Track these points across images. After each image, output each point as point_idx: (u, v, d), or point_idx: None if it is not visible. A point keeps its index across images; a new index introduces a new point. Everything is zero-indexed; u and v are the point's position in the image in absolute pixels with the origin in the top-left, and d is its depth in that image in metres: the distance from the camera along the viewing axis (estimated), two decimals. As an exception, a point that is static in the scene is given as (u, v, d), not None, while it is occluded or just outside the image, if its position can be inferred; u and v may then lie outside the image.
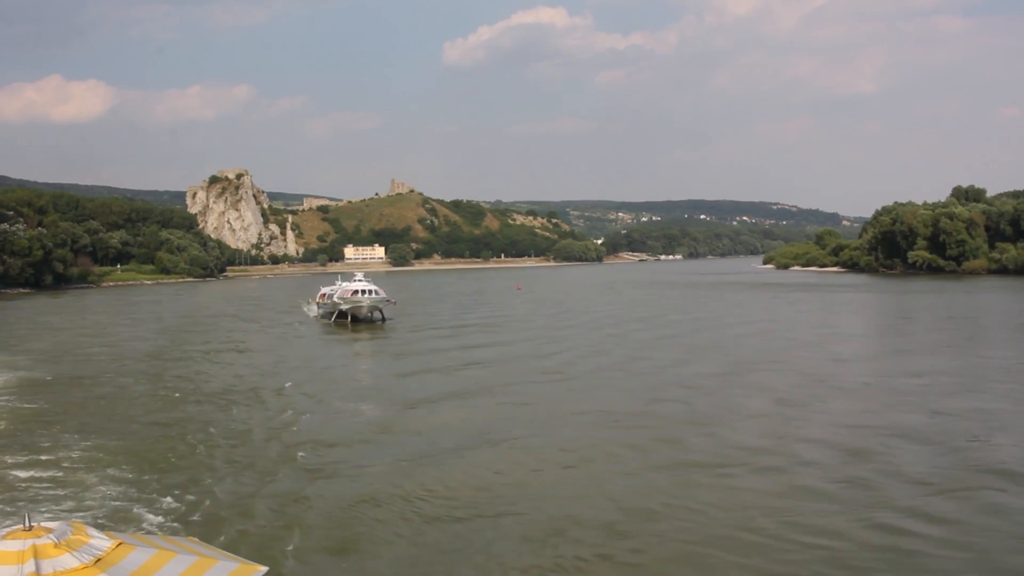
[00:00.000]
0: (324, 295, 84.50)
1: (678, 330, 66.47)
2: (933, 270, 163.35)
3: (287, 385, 40.01)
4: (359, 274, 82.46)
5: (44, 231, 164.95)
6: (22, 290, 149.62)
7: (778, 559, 16.87)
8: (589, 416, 31.38)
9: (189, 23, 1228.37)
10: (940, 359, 46.53)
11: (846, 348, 53.76)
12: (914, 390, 36.26)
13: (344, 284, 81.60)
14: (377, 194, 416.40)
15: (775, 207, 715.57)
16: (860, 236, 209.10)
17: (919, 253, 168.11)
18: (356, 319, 75.05)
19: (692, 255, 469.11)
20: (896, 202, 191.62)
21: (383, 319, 76.61)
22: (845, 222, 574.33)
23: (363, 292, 75.86)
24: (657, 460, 24.78)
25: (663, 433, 28.32)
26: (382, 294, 76.62)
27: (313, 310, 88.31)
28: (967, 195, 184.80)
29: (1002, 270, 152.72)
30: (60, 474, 24.04)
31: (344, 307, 75.25)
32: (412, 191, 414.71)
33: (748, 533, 18.26)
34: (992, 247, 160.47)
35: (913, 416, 30.57)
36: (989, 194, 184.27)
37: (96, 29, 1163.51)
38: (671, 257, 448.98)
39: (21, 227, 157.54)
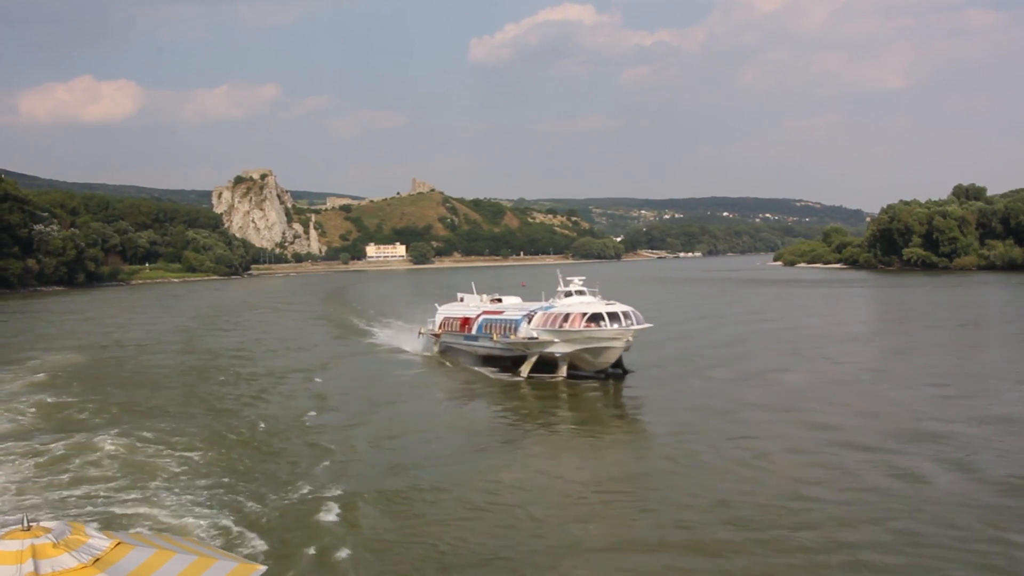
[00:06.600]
0: (467, 322, 50.57)
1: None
2: (927, 266, 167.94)
3: None
4: (576, 279, 45.08)
5: (77, 231, 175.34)
6: (56, 288, 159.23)
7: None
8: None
9: (217, 24, 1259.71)
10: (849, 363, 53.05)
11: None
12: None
13: (538, 304, 45.56)
14: (399, 193, 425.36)
15: (798, 204, 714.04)
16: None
17: (914, 250, 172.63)
18: (577, 369, 42.59)
19: (711, 252, 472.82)
20: (901, 200, 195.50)
21: (623, 371, 43.36)
22: (868, 218, 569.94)
23: (612, 318, 40.58)
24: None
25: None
26: (641, 318, 41.55)
27: (422, 342, 56.44)
28: (967, 193, 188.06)
29: (991, 266, 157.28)
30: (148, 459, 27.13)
31: (561, 349, 41.73)
32: (433, 190, 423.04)
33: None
34: (983, 244, 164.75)
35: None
36: (1000, 191, 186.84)
37: (126, 30, 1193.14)
38: (690, 254, 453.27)
39: (55, 228, 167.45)
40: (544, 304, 44.76)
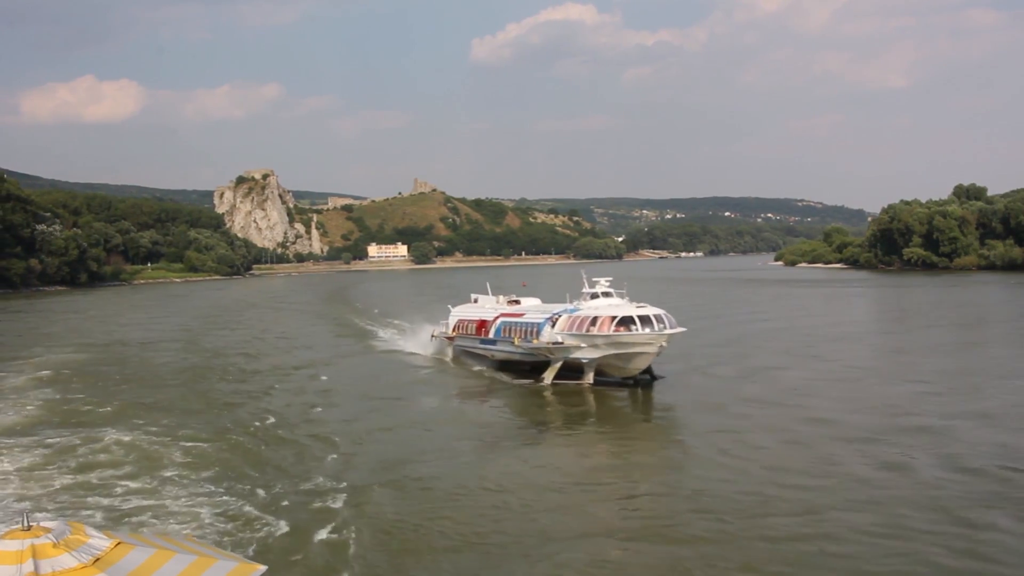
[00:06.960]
0: (484, 325, 47.50)
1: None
2: (927, 266, 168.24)
3: None
4: (603, 280, 42.55)
5: (79, 231, 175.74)
6: (59, 287, 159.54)
7: None
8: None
9: (219, 23, 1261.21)
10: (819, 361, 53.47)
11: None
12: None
13: (562, 307, 42.65)
14: (400, 193, 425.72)
15: (800, 204, 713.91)
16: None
17: (914, 250, 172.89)
18: (603, 376, 40.37)
19: (713, 252, 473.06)
20: (902, 200, 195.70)
21: (652, 377, 40.82)
22: (870, 218, 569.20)
23: (644, 321, 38.06)
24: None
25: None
26: (673, 322, 38.88)
27: (434, 345, 53.61)
28: (968, 193, 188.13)
29: (991, 266, 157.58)
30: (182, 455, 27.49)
31: (588, 355, 39.43)
32: (435, 190, 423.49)
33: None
34: (983, 244, 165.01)
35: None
36: (1000, 191, 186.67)
37: (128, 30, 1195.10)
38: (692, 254, 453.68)
39: (58, 228, 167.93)
40: (568, 307, 41.87)
